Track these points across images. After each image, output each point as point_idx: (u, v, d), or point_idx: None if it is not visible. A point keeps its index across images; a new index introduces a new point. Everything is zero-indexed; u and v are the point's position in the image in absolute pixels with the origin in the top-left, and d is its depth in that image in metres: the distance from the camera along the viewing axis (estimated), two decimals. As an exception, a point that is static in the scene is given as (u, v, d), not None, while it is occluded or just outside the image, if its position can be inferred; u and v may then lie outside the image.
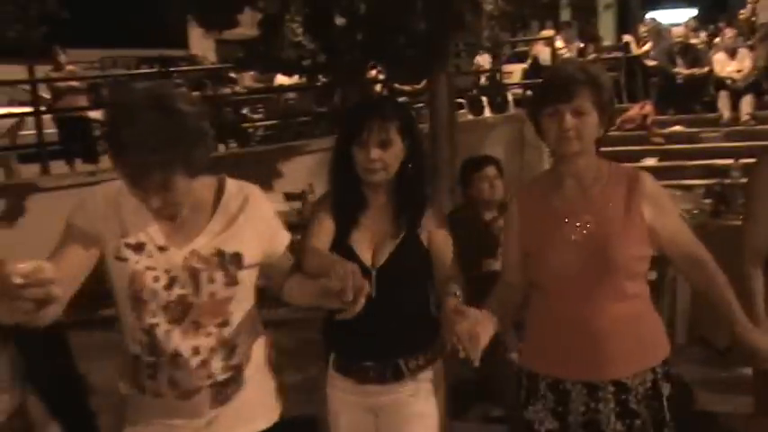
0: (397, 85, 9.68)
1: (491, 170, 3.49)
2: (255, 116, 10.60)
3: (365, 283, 1.56)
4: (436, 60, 6.33)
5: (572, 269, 1.88)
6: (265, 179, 7.23)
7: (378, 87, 9.70)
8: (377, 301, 1.80)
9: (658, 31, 11.03)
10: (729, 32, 10.04)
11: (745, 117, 9.02)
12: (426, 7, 6.02)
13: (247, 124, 10.28)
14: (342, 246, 2.02)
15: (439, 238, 2.06)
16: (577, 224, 1.90)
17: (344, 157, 2.04)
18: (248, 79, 10.56)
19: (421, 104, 8.75)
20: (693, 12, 12.72)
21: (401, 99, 10.36)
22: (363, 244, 2.03)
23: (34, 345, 2.02)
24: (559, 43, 11.16)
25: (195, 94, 9.45)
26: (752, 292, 2.22)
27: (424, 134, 6.96)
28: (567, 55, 10.82)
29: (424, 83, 7.75)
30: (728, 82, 9.28)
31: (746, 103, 9.08)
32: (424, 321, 2.07)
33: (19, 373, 2.06)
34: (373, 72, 9.37)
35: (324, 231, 2.04)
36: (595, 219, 1.90)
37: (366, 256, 2.02)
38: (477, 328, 1.72)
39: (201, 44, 10.76)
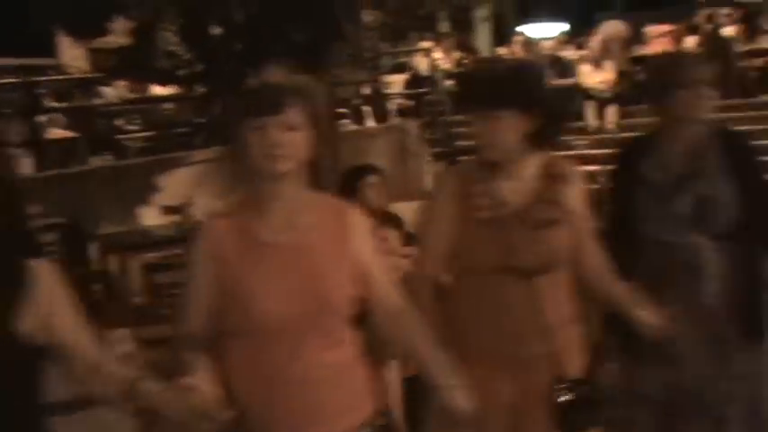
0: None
1: (375, 178, 3.54)
2: (131, 127, 10.24)
3: None
4: (316, 70, 6.34)
5: (282, 312, 1.63)
6: (143, 192, 7.00)
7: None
8: None
9: (528, 44, 11.53)
10: (594, 46, 10.62)
11: (609, 125, 9.57)
12: (305, 17, 6.02)
13: (123, 136, 9.91)
14: None
15: None
16: (288, 259, 1.66)
17: None
18: (123, 89, 10.17)
19: (303, 115, 8.71)
20: (564, 26, 13.30)
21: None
22: None
23: None
24: (437, 54, 11.45)
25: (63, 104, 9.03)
26: None
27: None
28: (445, 66, 11.10)
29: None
30: (594, 92, 9.82)
31: (611, 112, 9.64)
32: None
33: None
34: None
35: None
36: (309, 255, 1.68)
37: None
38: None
39: (71, 53, 10.28)
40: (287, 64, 6.18)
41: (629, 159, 2.45)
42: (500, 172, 1.98)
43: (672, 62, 2.45)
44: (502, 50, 12.86)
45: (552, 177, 2.00)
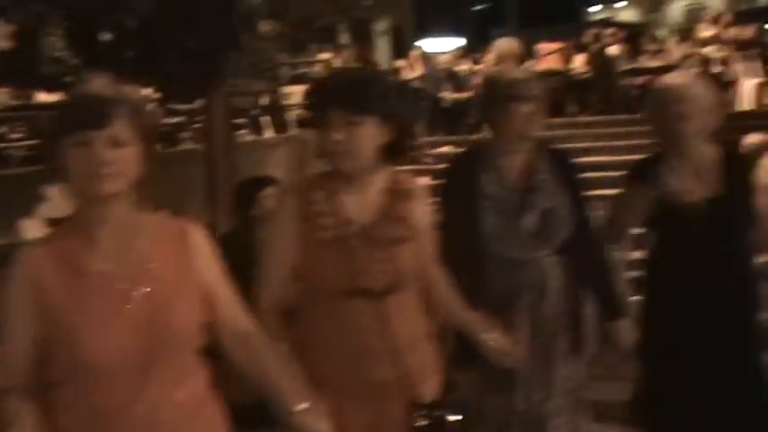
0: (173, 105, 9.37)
1: (272, 190, 3.49)
2: (15, 135, 9.73)
3: None
4: (212, 80, 6.23)
5: (118, 348, 1.47)
6: (26, 204, 6.66)
7: (152, 106, 9.32)
8: None
9: (425, 58, 11.77)
10: (489, 61, 10.93)
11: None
12: (201, 25, 5.90)
13: (5, 144, 9.40)
14: None
15: None
16: (121, 289, 1.51)
17: None
18: (5, 95, 9.68)
19: (198, 125, 8.56)
20: (461, 41, 13.64)
21: (178, 119, 10.09)
22: None
23: None
24: (336, 65, 11.53)
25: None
26: None
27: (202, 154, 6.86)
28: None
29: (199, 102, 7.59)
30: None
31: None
32: None
33: None
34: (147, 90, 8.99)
35: None
36: (147, 282, 1.54)
37: None
38: None
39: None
40: (181, 72, 6.05)
41: (462, 174, 2.41)
42: (346, 186, 1.86)
43: (505, 78, 2.41)
44: (400, 63, 13.05)
45: (398, 193, 1.90)
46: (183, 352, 1.55)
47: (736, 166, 2.53)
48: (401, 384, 1.82)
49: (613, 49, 12.15)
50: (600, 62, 11.44)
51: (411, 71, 12.04)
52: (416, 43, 13.32)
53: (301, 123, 10.92)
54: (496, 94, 2.34)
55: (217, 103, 6.36)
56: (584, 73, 11.52)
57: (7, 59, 6.14)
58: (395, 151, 1.86)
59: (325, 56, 12.21)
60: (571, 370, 2.38)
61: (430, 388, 1.89)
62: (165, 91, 7.21)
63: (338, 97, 1.78)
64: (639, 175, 2.61)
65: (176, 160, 7.73)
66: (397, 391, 1.82)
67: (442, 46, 12.57)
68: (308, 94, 1.86)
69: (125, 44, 5.90)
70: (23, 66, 5.85)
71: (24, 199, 6.76)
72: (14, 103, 9.66)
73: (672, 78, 2.59)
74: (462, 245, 2.25)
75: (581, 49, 11.91)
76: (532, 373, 2.31)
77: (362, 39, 18.71)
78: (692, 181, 2.46)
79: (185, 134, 9.93)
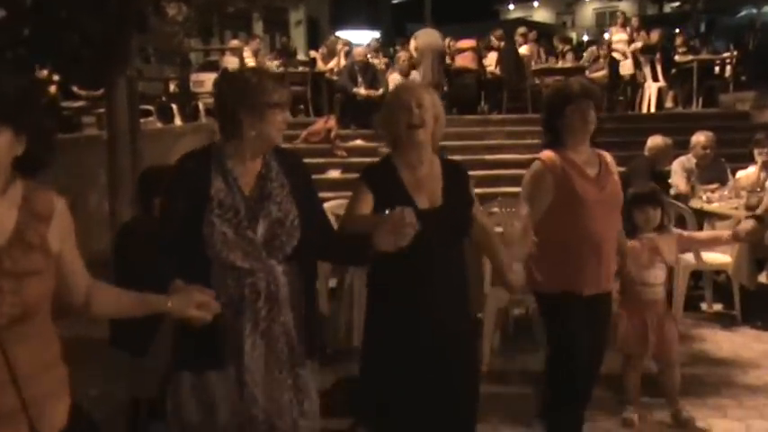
0: (75, 89, 8.95)
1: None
2: None
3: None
4: (115, 63, 5.94)
5: None
6: None
7: (52, 89, 8.87)
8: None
9: (341, 49, 11.68)
10: (404, 55, 10.94)
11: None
12: (103, 5, 5.62)
13: None
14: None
15: None
16: None
17: None
18: None
19: (102, 110, 8.20)
20: (375, 34, 13.63)
21: (78, 103, 9.66)
22: None
23: None
24: (246, 54, 11.31)
25: None
26: None
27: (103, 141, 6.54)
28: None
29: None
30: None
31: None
32: None
33: None
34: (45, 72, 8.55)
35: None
36: None
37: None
38: None
39: None
40: (82, 54, 5.74)
41: (189, 177, 2.28)
42: None
43: (256, 81, 2.27)
44: (315, 53, 12.90)
45: (35, 214, 1.64)
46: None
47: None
48: (25, 414, 1.62)
49: (524, 49, 12.40)
50: (510, 62, 11.63)
51: (326, 62, 11.93)
52: (335, 35, 13.20)
53: (211, 112, 10.66)
54: (249, 96, 2.23)
55: (120, 88, 6.08)
56: (496, 72, 11.70)
57: None
58: (29, 163, 1.63)
59: (236, 43, 11.94)
60: (307, 375, 2.36)
61: (59, 415, 1.74)
62: (66, 74, 6.85)
63: None
64: None
65: (78, 146, 7.37)
66: (20, 422, 1.63)
67: (357, 38, 12.52)
68: None
69: (19, 22, 5.55)
70: None
71: None
72: None
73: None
74: (185, 248, 2.20)
75: (492, 48, 12.08)
76: (271, 386, 2.28)
77: (278, 28, 18.48)
78: None
79: (89, 119, 9.50)
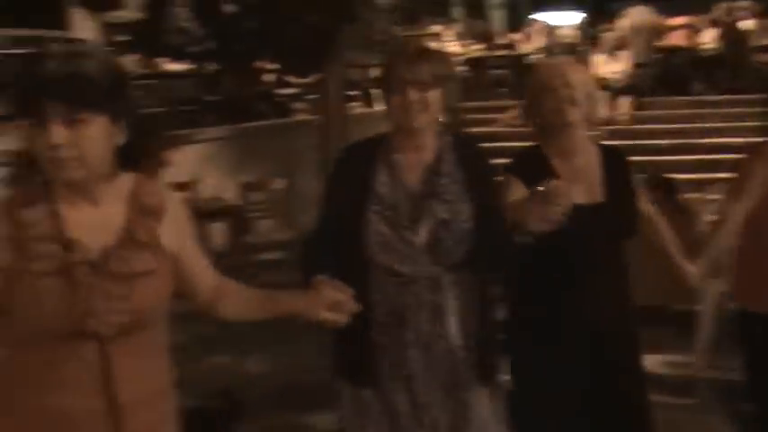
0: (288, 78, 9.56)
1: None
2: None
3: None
4: (329, 52, 6.30)
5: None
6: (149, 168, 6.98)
7: (269, 77, 9.55)
8: None
9: (546, 31, 11.44)
10: (611, 35, 10.51)
11: (621, 117, 9.49)
12: (319, -1, 5.98)
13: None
14: None
15: None
16: None
17: None
18: (132, 64, 10.16)
19: (313, 96, 8.69)
20: (580, 15, 13.15)
21: (292, 90, 10.29)
22: None
23: None
24: (447, 38, 11.41)
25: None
26: None
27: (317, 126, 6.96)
28: (454, 50, 11.04)
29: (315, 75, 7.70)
30: (607, 83, 9.73)
31: (624, 104, 9.56)
32: None
33: None
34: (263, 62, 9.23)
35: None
36: None
37: None
38: None
39: (83, 26, 10.24)
40: (300, 44, 6.13)
41: (353, 167, 2.04)
42: (75, 200, 1.42)
43: (389, 60, 2.02)
44: (515, 36, 12.75)
45: (144, 209, 1.48)
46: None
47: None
48: None
49: (747, 24, 11.42)
50: (731, 37, 10.78)
51: (527, 44, 11.76)
52: (533, 16, 12.96)
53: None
54: (384, 79, 1.98)
55: (333, 76, 6.43)
56: (713, 49, 10.90)
57: (138, 30, 6.44)
58: (133, 154, 1.45)
59: (436, 28, 12.10)
60: (484, 402, 2.05)
61: None
62: (285, 63, 7.36)
63: (56, 90, 1.33)
64: None
65: (290, 130, 7.88)
66: None
67: (559, 19, 12.18)
68: (16, 84, 1.39)
69: (247, 16, 6.05)
70: (152, 36, 6.10)
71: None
72: (141, 71, 10.13)
73: None
74: (344, 249, 1.97)
75: (712, 23, 11.27)
76: (437, 406, 2.01)
77: (477, 12, 18.44)
78: None
79: (299, 105, 10.11)
